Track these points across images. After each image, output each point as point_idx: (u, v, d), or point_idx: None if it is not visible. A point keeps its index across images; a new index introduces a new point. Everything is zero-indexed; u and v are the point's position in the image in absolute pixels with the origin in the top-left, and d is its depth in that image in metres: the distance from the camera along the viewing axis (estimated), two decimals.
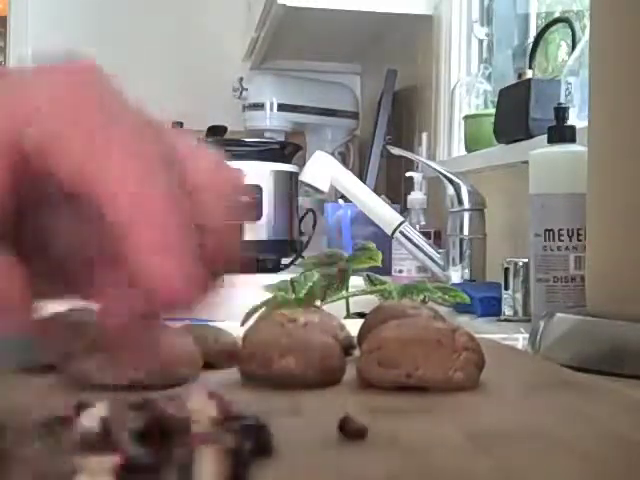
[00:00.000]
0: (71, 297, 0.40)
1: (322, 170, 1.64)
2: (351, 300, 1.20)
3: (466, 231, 1.54)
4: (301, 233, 2.16)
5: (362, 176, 2.12)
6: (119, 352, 0.45)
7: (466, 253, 1.54)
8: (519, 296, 1.19)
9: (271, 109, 2.65)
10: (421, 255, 1.59)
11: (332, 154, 2.07)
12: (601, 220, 0.77)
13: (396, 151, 1.81)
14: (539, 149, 1.08)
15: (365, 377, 0.52)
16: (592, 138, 0.79)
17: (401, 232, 1.58)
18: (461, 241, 1.54)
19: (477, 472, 0.34)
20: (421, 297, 1.09)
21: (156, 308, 0.35)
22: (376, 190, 1.89)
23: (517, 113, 1.50)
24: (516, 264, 1.19)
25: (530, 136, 1.45)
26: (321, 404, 0.47)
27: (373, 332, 0.55)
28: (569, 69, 1.52)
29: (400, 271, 1.75)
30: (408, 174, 1.88)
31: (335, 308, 0.96)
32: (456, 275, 1.54)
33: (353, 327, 0.67)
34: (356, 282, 1.19)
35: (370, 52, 2.75)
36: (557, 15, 1.80)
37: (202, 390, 0.35)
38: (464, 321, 1.23)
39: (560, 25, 1.71)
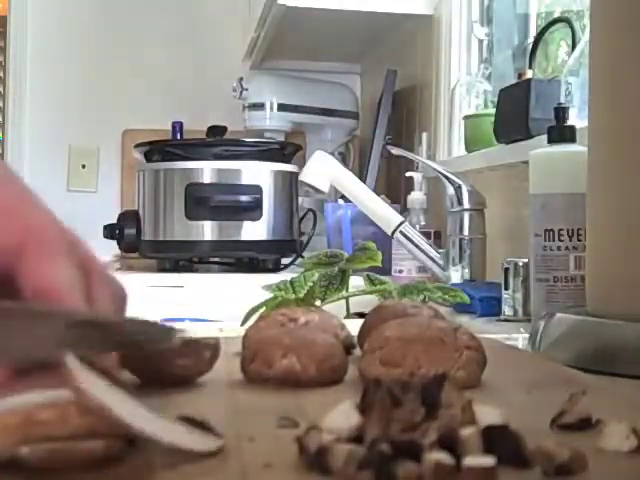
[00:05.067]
0: None
1: (322, 170, 1.64)
2: (351, 300, 1.20)
3: (466, 231, 1.54)
4: (301, 233, 2.16)
5: (362, 176, 2.12)
6: None
7: (466, 253, 1.54)
8: (519, 296, 1.19)
9: (271, 109, 2.65)
10: (421, 255, 1.59)
11: (332, 154, 2.06)
12: (601, 220, 0.77)
13: (396, 151, 1.81)
14: (539, 149, 1.08)
15: (367, 376, 0.52)
16: (592, 138, 0.79)
17: (401, 232, 1.58)
18: (461, 241, 1.54)
19: None
20: (421, 297, 1.09)
21: None
22: (376, 190, 1.89)
23: (517, 113, 1.50)
24: (516, 264, 1.19)
25: (530, 136, 1.45)
26: (324, 403, 0.47)
27: (375, 331, 0.55)
28: (569, 69, 1.52)
29: (400, 271, 1.75)
30: (408, 174, 1.88)
31: (335, 308, 0.96)
32: (456, 275, 1.54)
33: (353, 327, 0.67)
34: (356, 282, 1.19)
35: (370, 52, 2.75)
36: (557, 15, 1.80)
37: None
38: (464, 321, 1.23)
39: (560, 25, 1.70)
